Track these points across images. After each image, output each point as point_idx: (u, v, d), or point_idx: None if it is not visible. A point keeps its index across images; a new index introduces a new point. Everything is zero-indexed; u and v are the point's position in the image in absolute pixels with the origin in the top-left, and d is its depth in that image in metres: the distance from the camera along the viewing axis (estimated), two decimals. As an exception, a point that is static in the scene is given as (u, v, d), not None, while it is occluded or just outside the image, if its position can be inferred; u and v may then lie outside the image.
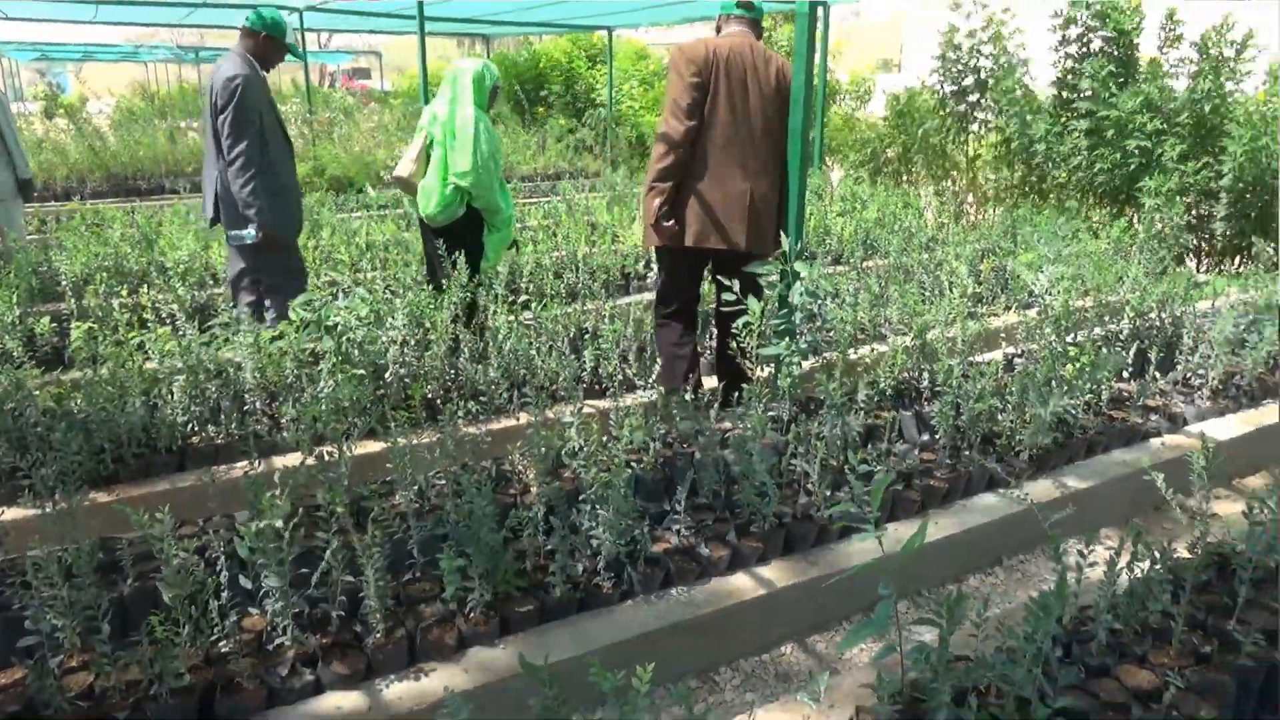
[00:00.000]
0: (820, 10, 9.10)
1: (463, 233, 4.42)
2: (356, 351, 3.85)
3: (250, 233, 4.24)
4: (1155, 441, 3.81)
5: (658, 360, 4.30)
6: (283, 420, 3.63)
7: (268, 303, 4.53)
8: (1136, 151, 7.22)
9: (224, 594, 2.34)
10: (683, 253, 3.91)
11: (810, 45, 3.72)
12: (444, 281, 4.34)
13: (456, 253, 4.32)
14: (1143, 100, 7.19)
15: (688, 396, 3.49)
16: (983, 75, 8.49)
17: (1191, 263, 7.36)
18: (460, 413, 3.43)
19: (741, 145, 3.79)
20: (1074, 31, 7.79)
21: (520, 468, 3.24)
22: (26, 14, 11.06)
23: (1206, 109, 6.92)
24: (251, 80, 4.20)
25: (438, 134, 4.34)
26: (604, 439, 3.32)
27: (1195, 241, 7.11)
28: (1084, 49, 7.79)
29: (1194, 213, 7.12)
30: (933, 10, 9.56)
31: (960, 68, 8.59)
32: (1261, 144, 6.45)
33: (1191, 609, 2.31)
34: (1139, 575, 2.30)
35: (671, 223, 3.80)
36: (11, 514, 3.01)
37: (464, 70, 4.36)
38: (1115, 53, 7.63)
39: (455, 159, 4.26)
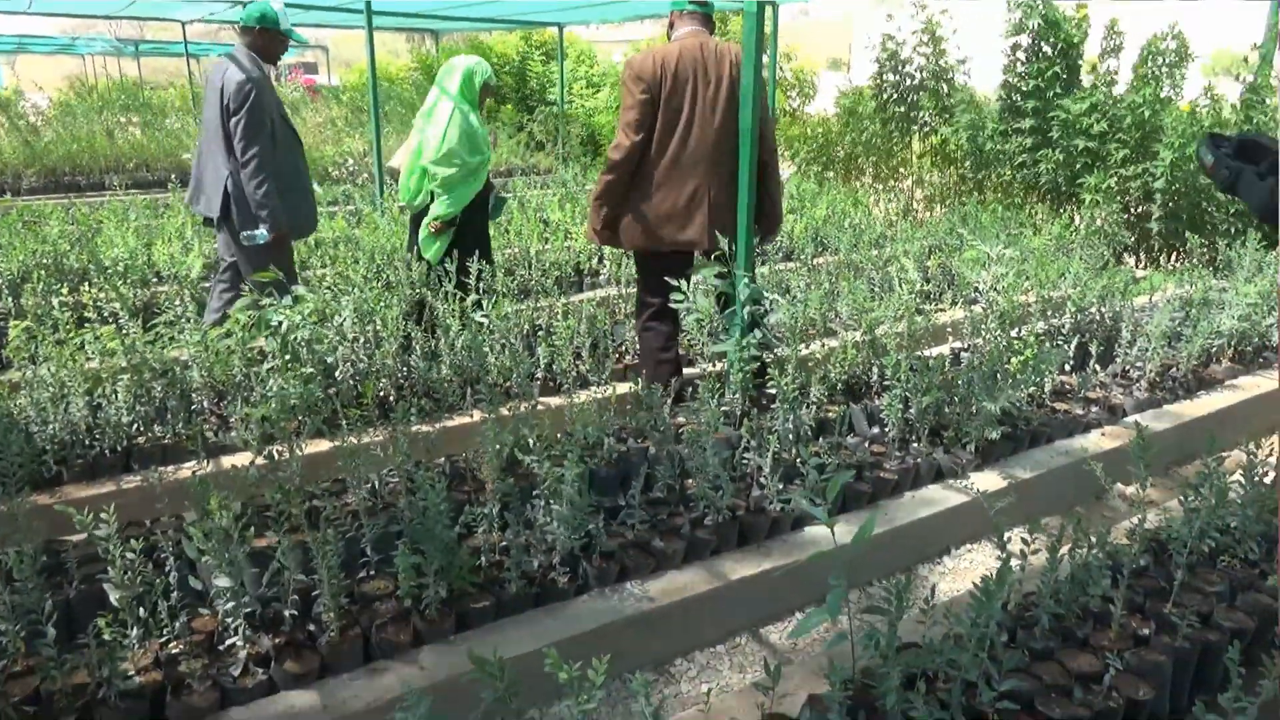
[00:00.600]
0: (769, 10, 9.20)
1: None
2: (304, 350, 3.81)
3: (262, 233, 4.25)
4: (1095, 432, 3.92)
5: (611, 357, 4.32)
6: (231, 419, 3.58)
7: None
8: (1082, 151, 7.43)
9: (174, 595, 2.31)
10: (652, 255, 3.98)
11: (759, 44, 3.76)
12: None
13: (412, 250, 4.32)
14: (1090, 104, 7.39)
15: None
16: (920, 78, 8.70)
17: (1130, 260, 7.58)
18: (413, 410, 3.42)
19: (695, 148, 3.83)
20: (1024, 39, 7.98)
21: (475, 465, 3.23)
22: (-44, 4, 10.72)
23: (1147, 114, 7.14)
24: (261, 83, 4.21)
25: (418, 123, 4.56)
26: (558, 435, 3.33)
27: (1133, 239, 7.33)
28: (1033, 55, 7.97)
29: (1132, 211, 7.35)
30: (882, 9, 9.71)
31: (899, 72, 8.80)
32: (1190, 151, 6.70)
33: (1130, 593, 2.39)
34: (1080, 561, 2.38)
35: (606, 231, 3.93)
36: (-52, 518, 2.94)
37: (455, 67, 4.56)
38: (1061, 59, 7.83)
39: (426, 145, 4.47)
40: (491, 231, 5.26)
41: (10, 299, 5.01)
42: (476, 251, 4.73)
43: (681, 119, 3.81)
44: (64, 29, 28.57)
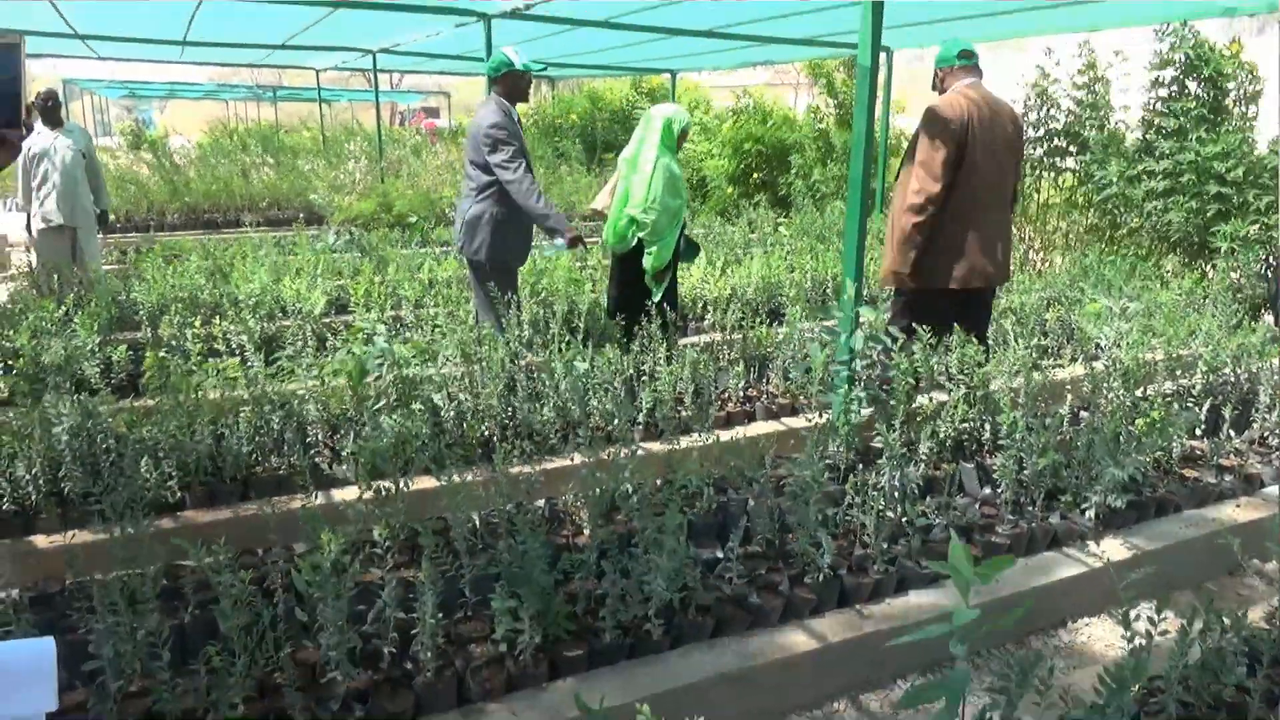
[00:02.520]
0: (884, 56, 9.13)
1: (639, 261, 4.92)
2: (405, 390, 3.91)
3: (560, 242, 4.69)
4: (1229, 503, 3.67)
5: (714, 404, 4.30)
6: (342, 454, 3.69)
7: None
8: (1215, 197, 7.04)
9: (280, 625, 2.37)
10: (940, 294, 4.29)
11: (871, 98, 3.74)
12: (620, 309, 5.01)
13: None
14: (1224, 147, 7.02)
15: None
16: (1067, 121, 8.36)
17: (1268, 317, 7.13)
18: (515, 452, 3.46)
19: (992, 191, 4.21)
20: (1168, 74, 7.65)
21: (573, 508, 3.24)
22: (116, 54, 11.59)
23: None
24: (508, 124, 4.62)
25: (622, 170, 4.91)
26: (658, 481, 3.31)
27: (1272, 294, 6.89)
28: (1177, 92, 7.63)
29: (1272, 264, 6.91)
30: (999, 53, 9.42)
31: (1046, 111, 8.47)
32: None
33: (1269, 683, 2.21)
34: (1212, 645, 2.21)
35: (912, 271, 4.22)
36: (82, 537, 3.11)
37: (656, 115, 4.89)
38: (1208, 97, 7.47)
39: (633, 192, 4.80)
40: (598, 275, 5.39)
41: (149, 329, 5.32)
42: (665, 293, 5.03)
43: (980, 163, 4.13)
44: (211, 76, 30.58)
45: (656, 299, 4.93)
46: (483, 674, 2.36)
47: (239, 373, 3.95)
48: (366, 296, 5.81)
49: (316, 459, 3.72)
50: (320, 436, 3.88)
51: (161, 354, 4.14)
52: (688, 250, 5.20)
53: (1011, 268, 4.42)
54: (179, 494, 3.40)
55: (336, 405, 3.93)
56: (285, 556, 2.90)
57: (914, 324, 4.24)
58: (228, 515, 3.38)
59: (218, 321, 5.13)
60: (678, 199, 4.85)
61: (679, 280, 5.35)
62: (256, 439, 3.67)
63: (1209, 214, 7.13)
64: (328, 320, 5.58)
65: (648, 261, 4.88)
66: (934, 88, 4.43)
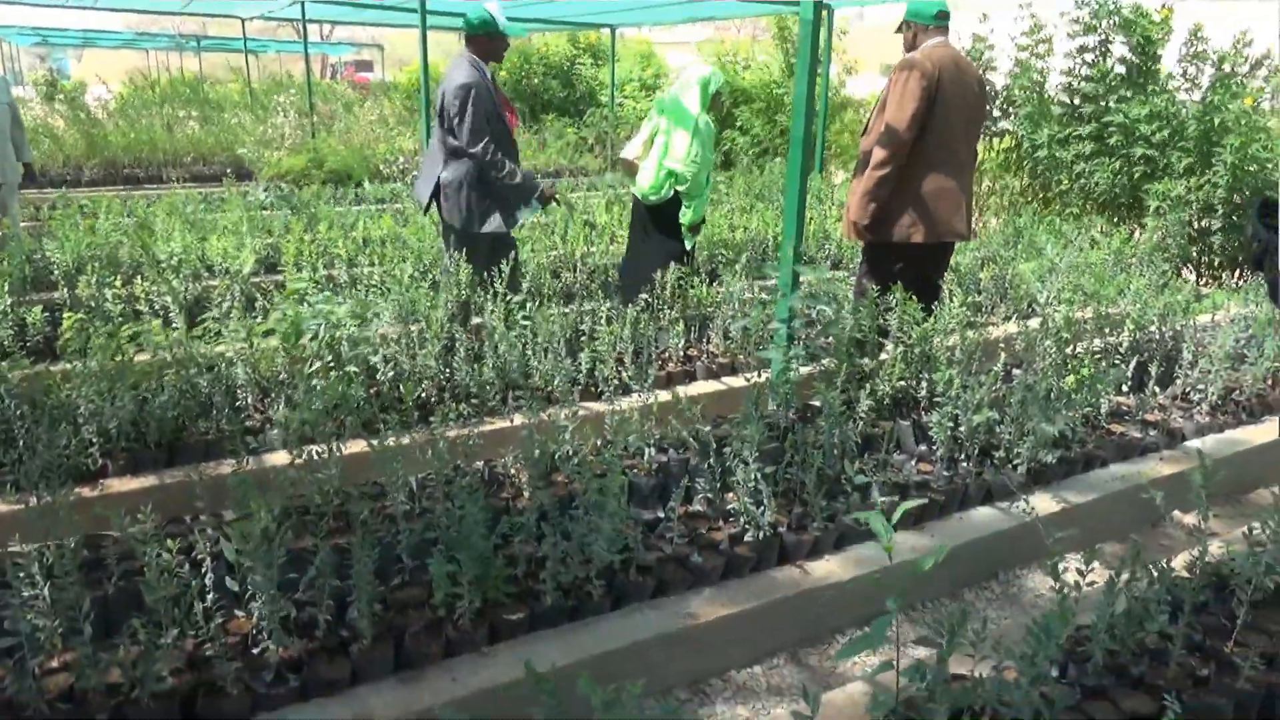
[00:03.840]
0: (824, 14, 9.08)
1: (672, 212, 5.11)
2: (343, 351, 3.82)
3: (531, 207, 4.71)
4: (1154, 457, 3.78)
5: (654, 364, 4.28)
6: (274, 417, 3.59)
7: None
8: (1141, 159, 7.19)
9: (209, 596, 2.30)
10: (905, 249, 4.28)
11: (814, 53, 3.69)
12: (643, 261, 5.16)
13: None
14: (1150, 109, 7.16)
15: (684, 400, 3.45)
16: (1007, 84, 8.42)
17: (1190, 275, 7.34)
18: (452, 414, 3.40)
19: (961, 147, 4.24)
20: (1093, 40, 7.74)
21: (513, 471, 3.20)
22: (26, -2, 11.02)
23: (1215, 121, 6.87)
24: (480, 85, 4.49)
25: (662, 124, 5.05)
26: (599, 443, 3.29)
27: (1195, 255, 7.09)
28: (1101, 57, 7.73)
29: (1194, 226, 7.10)
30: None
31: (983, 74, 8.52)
32: (1252, 151, 6.41)
33: (1189, 630, 2.28)
34: (1137, 595, 2.28)
35: (874, 224, 4.23)
36: (-5, 508, 2.98)
37: (693, 74, 5.09)
38: (1135, 61, 7.58)
39: (674, 148, 4.97)
40: (536, 234, 5.36)
41: (66, 290, 5.09)
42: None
43: (949, 120, 4.14)
44: (129, 24, 29.26)
45: (689, 247, 5.24)
46: (421, 639, 2.33)
47: (162, 335, 3.80)
48: (297, 255, 5.64)
49: (246, 423, 3.62)
50: (250, 400, 3.77)
51: (79, 315, 3.97)
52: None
53: (975, 227, 4.48)
54: (100, 461, 3.28)
55: (267, 368, 3.82)
56: (214, 524, 2.81)
57: (871, 284, 4.27)
58: (153, 482, 3.27)
59: (139, 281, 4.94)
60: (711, 155, 5.10)
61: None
62: (182, 403, 3.54)
63: (1135, 175, 7.29)
64: (257, 280, 5.41)
65: (685, 216, 5.09)
66: (904, 44, 4.39)
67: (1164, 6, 7.50)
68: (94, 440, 3.28)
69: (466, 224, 4.65)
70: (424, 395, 3.87)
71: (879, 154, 4.14)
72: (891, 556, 1.97)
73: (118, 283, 5.00)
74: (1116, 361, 4.31)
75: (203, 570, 2.38)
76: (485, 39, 4.62)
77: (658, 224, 5.19)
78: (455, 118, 4.45)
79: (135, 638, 2.07)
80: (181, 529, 2.85)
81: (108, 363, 3.51)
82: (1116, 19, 7.49)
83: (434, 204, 4.75)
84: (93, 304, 4.60)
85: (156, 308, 4.68)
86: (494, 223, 4.68)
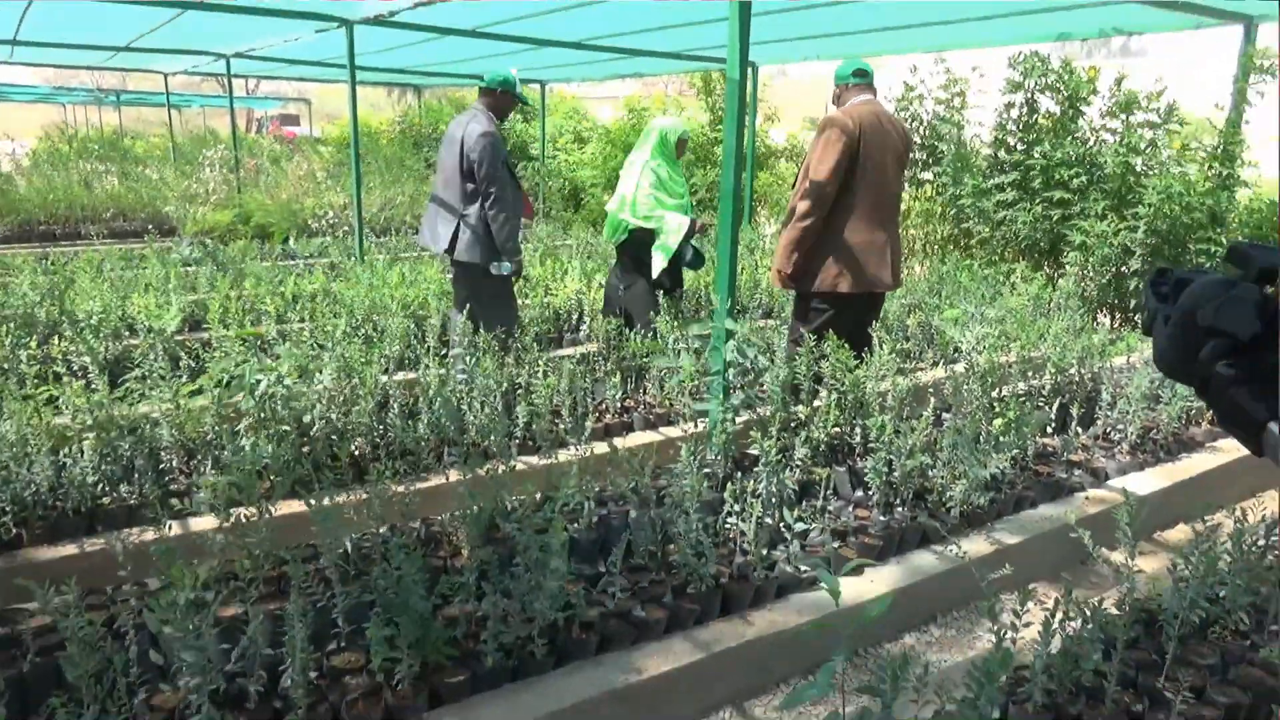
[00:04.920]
0: (750, 70, 9.35)
1: (636, 254, 5.55)
2: (280, 407, 3.74)
3: (508, 265, 4.87)
4: (1079, 496, 3.89)
5: (591, 415, 4.27)
6: (200, 481, 3.48)
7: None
8: (1058, 202, 7.50)
9: (133, 670, 2.21)
10: (833, 298, 4.37)
11: (740, 108, 3.79)
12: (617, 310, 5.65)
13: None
14: (1070, 152, 7.48)
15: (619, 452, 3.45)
16: (929, 131, 8.76)
17: (1105, 319, 7.64)
18: (388, 471, 3.34)
19: (883, 199, 4.33)
20: (1019, 97, 8.11)
21: (451, 529, 3.15)
22: (-66, 52, 10.70)
23: (1133, 161, 7.19)
24: (498, 137, 4.80)
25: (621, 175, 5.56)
26: (538, 497, 3.26)
27: (1112, 299, 7.38)
28: (1027, 112, 8.09)
29: (1111, 270, 7.39)
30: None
31: (909, 125, 8.86)
32: (1173, 193, 6.71)
33: (1123, 667, 2.34)
34: (1071, 635, 2.33)
35: (798, 275, 4.34)
36: (-101, 584, 2.82)
37: (653, 127, 5.57)
38: (1060, 115, 7.94)
39: (622, 192, 5.48)
40: None
41: (-23, 352, 4.89)
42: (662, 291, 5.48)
43: (872, 172, 4.25)
44: (46, 78, 28.61)
45: (654, 276, 5.51)
46: (359, 707, 2.26)
47: (81, 396, 3.67)
48: (223, 313, 5.52)
49: (171, 487, 3.50)
50: (175, 463, 3.65)
51: (-8, 378, 3.81)
52: (695, 259, 5.62)
53: (902, 277, 4.61)
54: (15, 530, 3.13)
55: (192, 429, 3.71)
56: (138, 594, 2.70)
57: (807, 331, 4.34)
58: (72, 551, 3.14)
59: (57, 341, 4.77)
60: (672, 196, 5.47)
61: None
62: (103, 468, 3.42)
63: (1054, 218, 7.59)
64: (181, 338, 5.27)
65: (661, 251, 5.45)
66: (832, 101, 4.57)
67: (1090, 67, 7.91)
68: (8, 508, 3.14)
69: (465, 255, 4.88)
70: (358, 452, 3.80)
71: (802, 206, 4.26)
72: (837, 604, 1.99)
73: (33, 343, 4.82)
74: (1040, 404, 4.45)
75: (126, 643, 2.29)
76: (501, 96, 4.95)
77: (623, 264, 5.67)
78: (478, 162, 4.70)
79: (53, 718, 1.97)
80: (103, 599, 2.73)
81: (24, 426, 3.38)
82: (1045, 79, 7.86)
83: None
84: (6, 365, 4.42)
85: (75, 368, 4.52)
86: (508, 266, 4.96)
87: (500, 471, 3.16)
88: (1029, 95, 8.09)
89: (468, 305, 4.95)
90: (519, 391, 4.39)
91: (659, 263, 5.48)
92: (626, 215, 5.48)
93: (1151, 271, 0.94)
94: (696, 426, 3.92)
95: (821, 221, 4.24)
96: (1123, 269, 7.28)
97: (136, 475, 3.48)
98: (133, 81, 26.15)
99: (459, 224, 4.84)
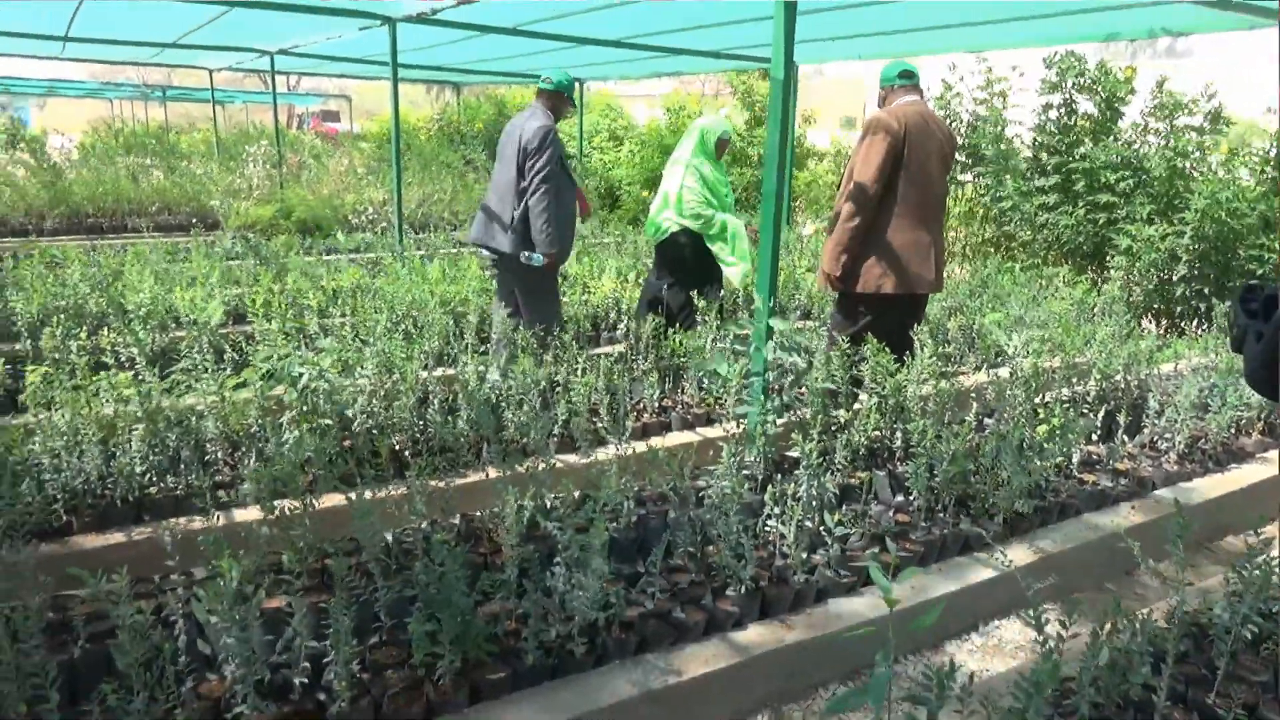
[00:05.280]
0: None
1: (676, 254, 5.58)
2: (322, 401, 3.78)
3: (538, 257, 4.88)
4: (1124, 506, 3.82)
5: (629, 415, 4.27)
6: (244, 472, 3.53)
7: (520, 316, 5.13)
8: (1103, 206, 7.37)
9: (181, 658, 2.24)
10: (877, 301, 4.33)
11: (786, 108, 3.77)
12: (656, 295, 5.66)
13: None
14: (1113, 155, 7.36)
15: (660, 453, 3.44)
16: (970, 130, 8.66)
17: (1150, 325, 7.50)
18: (428, 467, 3.37)
19: (929, 200, 4.31)
20: (1057, 98, 8.00)
21: (490, 525, 3.16)
22: (-10, 48, 10.94)
23: (1180, 164, 7.06)
24: (556, 133, 4.88)
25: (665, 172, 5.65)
26: (576, 495, 3.26)
27: (1159, 304, 7.25)
28: (1066, 114, 7.98)
29: (1157, 274, 7.26)
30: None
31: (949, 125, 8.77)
32: (1221, 198, 6.57)
33: (1172, 681, 2.30)
34: (1119, 647, 2.29)
35: (845, 276, 4.30)
36: (-46, 569, 2.88)
37: (695, 126, 5.58)
38: (1099, 116, 7.83)
39: (665, 192, 5.55)
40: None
41: (29, 342, 5.00)
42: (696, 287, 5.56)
43: (917, 173, 4.23)
44: (94, 74, 29.14)
45: (728, 274, 5.57)
46: (400, 701, 2.28)
47: (131, 388, 3.73)
48: (266, 306, 5.59)
49: (216, 478, 3.55)
50: (220, 455, 3.70)
51: (44, 368, 3.89)
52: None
53: (944, 278, 4.53)
54: (65, 518, 3.19)
55: (237, 421, 3.76)
56: (185, 584, 2.74)
57: (845, 334, 4.30)
58: (120, 539, 3.19)
59: (105, 333, 4.86)
60: (716, 196, 5.47)
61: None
62: (151, 458, 3.48)
63: (1099, 222, 7.47)
64: (225, 331, 5.35)
65: (727, 259, 5.51)
66: (878, 104, 4.56)
67: (1128, 68, 7.78)
68: (59, 496, 3.20)
69: (519, 250, 4.91)
70: (398, 447, 3.83)
71: (848, 208, 4.24)
72: (890, 606, 1.96)
73: (83, 334, 4.92)
74: (1085, 411, 4.38)
75: (174, 632, 2.32)
76: (560, 97, 5.04)
77: (661, 264, 5.70)
78: (534, 154, 4.77)
79: (105, 704, 2.01)
80: (151, 588, 2.78)
81: (74, 416, 3.44)
82: (1081, 79, 7.74)
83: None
84: (57, 356, 4.51)
85: (123, 359, 4.60)
86: (567, 250, 5.04)
87: (540, 469, 3.17)
88: (1067, 96, 7.97)
89: (505, 301, 4.97)
90: (557, 390, 4.40)
91: (737, 274, 5.51)
92: (670, 214, 5.48)
93: (1240, 288, 0.91)
94: (737, 428, 3.90)
95: (868, 223, 4.22)
96: (1170, 275, 7.15)
97: (182, 466, 3.53)
98: (178, 77, 26.63)
99: (512, 218, 4.89)
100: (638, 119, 15.00)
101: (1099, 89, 7.74)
